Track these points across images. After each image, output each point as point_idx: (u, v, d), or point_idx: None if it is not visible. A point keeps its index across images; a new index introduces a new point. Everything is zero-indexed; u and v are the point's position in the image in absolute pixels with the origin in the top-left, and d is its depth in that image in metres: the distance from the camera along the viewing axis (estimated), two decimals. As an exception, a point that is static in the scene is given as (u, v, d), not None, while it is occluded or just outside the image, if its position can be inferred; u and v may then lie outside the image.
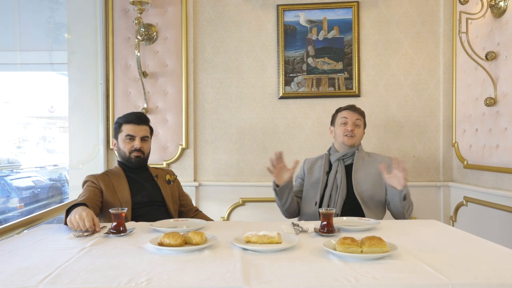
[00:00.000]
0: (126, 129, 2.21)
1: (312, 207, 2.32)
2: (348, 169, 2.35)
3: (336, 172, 2.34)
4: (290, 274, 1.19)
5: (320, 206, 2.29)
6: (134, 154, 2.20)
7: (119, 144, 2.24)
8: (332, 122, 2.50)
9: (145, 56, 3.15)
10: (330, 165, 2.40)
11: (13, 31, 2.71)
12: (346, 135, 2.36)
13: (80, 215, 1.71)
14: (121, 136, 2.22)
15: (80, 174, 2.90)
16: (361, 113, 2.44)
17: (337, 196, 2.27)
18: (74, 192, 2.77)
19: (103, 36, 3.16)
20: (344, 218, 1.96)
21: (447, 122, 3.09)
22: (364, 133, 2.47)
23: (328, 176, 2.36)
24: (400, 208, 2.16)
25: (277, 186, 2.23)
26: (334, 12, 3.12)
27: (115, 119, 3.01)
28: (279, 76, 3.14)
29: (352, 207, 2.25)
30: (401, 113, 3.12)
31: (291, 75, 3.14)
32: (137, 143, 2.20)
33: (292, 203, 2.32)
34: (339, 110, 2.49)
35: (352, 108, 2.44)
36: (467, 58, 2.67)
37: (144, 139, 2.24)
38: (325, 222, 1.67)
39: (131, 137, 2.21)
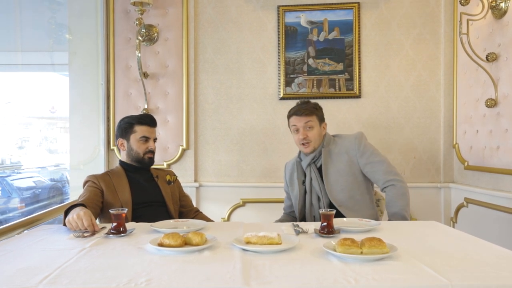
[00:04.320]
0: (141, 130, 2.24)
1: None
2: (321, 172, 2.25)
3: (311, 179, 2.25)
4: (290, 275, 1.19)
5: (303, 218, 2.30)
6: (148, 155, 2.26)
7: (131, 144, 2.24)
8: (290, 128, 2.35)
9: (146, 57, 3.16)
10: (304, 172, 2.31)
11: (14, 32, 2.72)
12: (302, 144, 2.26)
13: (78, 215, 1.71)
14: (135, 136, 2.24)
15: (80, 175, 2.90)
16: (310, 112, 2.23)
17: (321, 205, 2.21)
18: (75, 193, 2.78)
19: (104, 37, 3.17)
20: (345, 219, 1.95)
21: (448, 123, 3.08)
22: (324, 128, 2.30)
23: (305, 186, 2.28)
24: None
25: None
26: (334, 13, 3.12)
27: (116, 119, 3.01)
28: (280, 77, 3.14)
29: (338, 212, 2.15)
30: (401, 114, 3.12)
31: (292, 76, 3.14)
32: (151, 145, 2.27)
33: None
34: (288, 116, 2.32)
35: (297, 112, 2.25)
36: (468, 59, 2.67)
37: (155, 140, 2.32)
38: (325, 223, 1.66)
39: (147, 139, 2.25)
